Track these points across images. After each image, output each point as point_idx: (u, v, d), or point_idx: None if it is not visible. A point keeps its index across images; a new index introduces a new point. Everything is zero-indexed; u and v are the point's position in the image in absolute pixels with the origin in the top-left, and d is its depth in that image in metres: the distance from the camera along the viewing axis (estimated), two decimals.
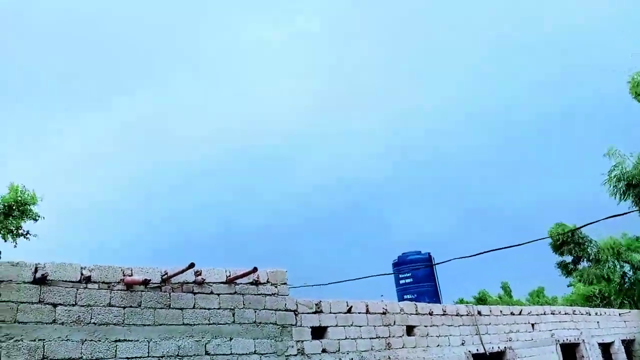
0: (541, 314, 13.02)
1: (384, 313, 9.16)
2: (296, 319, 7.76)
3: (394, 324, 9.25)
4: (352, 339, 8.41)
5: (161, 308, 6.45)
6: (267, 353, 7.15)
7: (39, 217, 16.78)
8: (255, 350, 7.04)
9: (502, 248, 11.11)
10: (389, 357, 8.78)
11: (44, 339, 5.44)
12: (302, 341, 7.66)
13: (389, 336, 9.02)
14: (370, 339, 8.68)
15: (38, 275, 5.64)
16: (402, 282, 17.53)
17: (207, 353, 6.59)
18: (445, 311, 10.49)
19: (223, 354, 6.72)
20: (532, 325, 12.53)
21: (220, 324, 6.90)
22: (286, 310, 7.68)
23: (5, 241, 16.50)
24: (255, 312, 7.31)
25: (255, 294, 7.43)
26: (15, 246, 16.58)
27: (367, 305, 8.97)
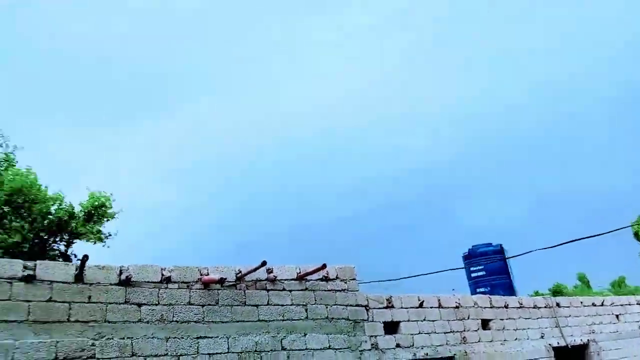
0: (626, 305, 12.31)
1: (457, 307, 8.99)
2: (368, 314, 7.77)
3: (468, 317, 9.06)
4: (425, 333, 8.32)
5: (237, 305, 6.66)
6: (341, 348, 7.21)
7: (114, 216, 17.69)
8: (329, 345, 7.12)
9: (585, 238, 10.61)
10: (466, 352, 8.61)
11: (132, 337, 5.77)
12: (375, 336, 7.67)
13: (464, 330, 8.85)
14: (444, 333, 8.55)
15: (123, 277, 5.99)
16: (473, 275, 17.11)
17: (283, 348, 6.74)
18: (521, 304, 10.15)
19: (299, 349, 6.85)
20: (617, 316, 11.87)
21: (294, 319, 7.03)
22: (357, 305, 7.71)
23: (93, 244, 17.55)
24: (327, 307, 7.39)
25: (325, 290, 7.51)
26: (105, 245, 17.54)
27: (439, 300, 8.85)
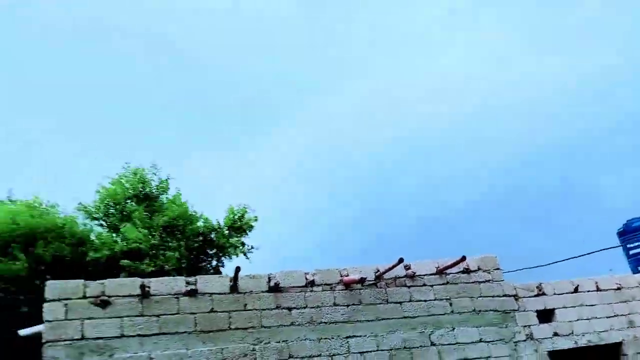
0: None
1: (618, 289, 8.22)
2: (517, 303, 7.41)
3: (633, 299, 8.23)
4: (585, 319, 7.72)
5: (380, 303, 6.75)
6: (493, 340, 6.97)
7: (253, 226, 18.82)
8: (480, 339, 6.91)
9: None
10: (636, 336, 7.84)
11: (286, 340, 6.13)
12: (529, 326, 7.28)
13: (629, 313, 8.06)
14: (607, 317, 7.86)
15: (271, 284, 6.38)
16: (632, 252, 15.49)
17: (432, 344, 6.68)
18: None
19: (448, 344, 6.75)
20: None
21: (439, 314, 6.94)
22: (505, 295, 7.39)
23: (236, 257, 18.86)
24: (472, 300, 7.19)
25: (467, 282, 7.31)
26: (249, 253, 18.77)
27: (596, 283, 8.16)
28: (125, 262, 14.94)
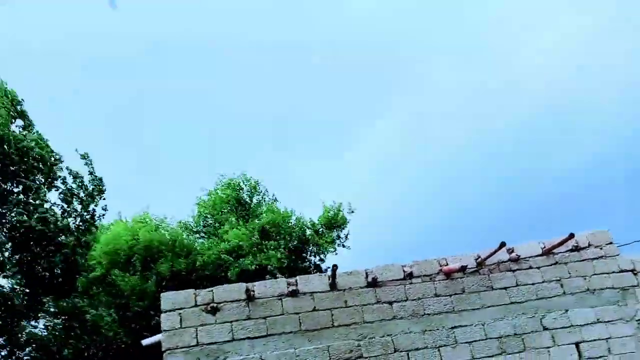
0: None
1: None
2: (637, 278, 6.84)
3: None
4: None
5: (484, 291, 6.53)
6: (612, 320, 6.49)
7: (348, 223, 18.99)
8: (597, 319, 6.47)
9: None
10: None
11: (390, 334, 6.11)
12: None
13: None
14: None
15: (369, 279, 6.39)
16: None
17: (545, 328, 6.36)
18: None
19: (562, 327, 6.38)
20: None
21: (549, 297, 6.58)
22: (622, 271, 6.85)
23: (334, 253, 19.16)
24: (585, 279, 6.74)
25: (578, 261, 6.86)
26: (344, 247, 18.98)
27: None
28: (226, 256, 15.67)
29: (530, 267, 6.74)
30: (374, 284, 6.38)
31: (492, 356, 6.16)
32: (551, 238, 6.85)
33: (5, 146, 17.56)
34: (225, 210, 17.77)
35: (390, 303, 6.31)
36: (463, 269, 6.41)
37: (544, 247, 6.83)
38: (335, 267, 6.19)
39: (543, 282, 6.67)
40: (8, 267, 16.55)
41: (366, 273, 6.45)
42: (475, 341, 6.19)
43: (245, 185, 18.53)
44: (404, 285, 6.44)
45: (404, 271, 6.52)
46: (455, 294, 6.46)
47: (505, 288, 6.56)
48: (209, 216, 18.08)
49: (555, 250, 6.83)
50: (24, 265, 17.26)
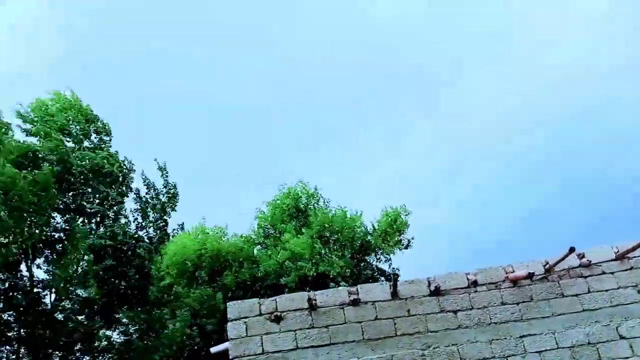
0: None
1: None
2: None
3: None
4: None
5: (554, 298, 6.28)
6: None
7: (408, 227, 18.78)
8: None
9: None
10: None
11: (456, 344, 5.99)
12: None
13: None
14: None
15: (432, 287, 6.31)
16: None
17: (621, 337, 6.02)
18: None
19: None
20: None
21: (626, 303, 6.23)
22: None
23: (393, 255, 18.99)
24: None
25: None
26: (403, 252, 18.77)
27: None
28: (288, 263, 15.87)
29: (603, 273, 6.41)
30: (437, 292, 6.29)
31: None
32: (626, 242, 6.51)
33: (80, 163, 18.69)
34: (285, 219, 18.05)
35: (455, 312, 6.20)
36: (530, 275, 6.20)
37: (618, 252, 6.49)
38: (396, 276, 6.18)
39: (618, 288, 6.33)
40: (88, 277, 17.57)
41: (428, 281, 6.37)
42: (546, 350, 5.96)
43: (304, 194, 18.75)
44: (469, 294, 6.30)
45: (467, 279, 6.39)
46: (523, 301, 6.25)
47: (576, 295, 6.28)
48: (269, 227, 18.42)
49: (629, 255, 6.47)
50: (102, 277, 18.26)
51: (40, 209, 16.20)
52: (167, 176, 21.55)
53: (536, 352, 5.95)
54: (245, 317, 6.26)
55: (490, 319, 6.13)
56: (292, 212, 18.17)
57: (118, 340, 18.57)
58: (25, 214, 15.89)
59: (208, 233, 18.03)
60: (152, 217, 21.03)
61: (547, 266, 6.38)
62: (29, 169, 16.85)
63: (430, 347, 5.98)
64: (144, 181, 21.29)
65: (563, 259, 6.27)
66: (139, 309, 18.18)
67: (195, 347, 16.42)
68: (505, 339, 6.02)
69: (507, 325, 6.10)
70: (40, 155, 17.65)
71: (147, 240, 20.27)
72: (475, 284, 6.33)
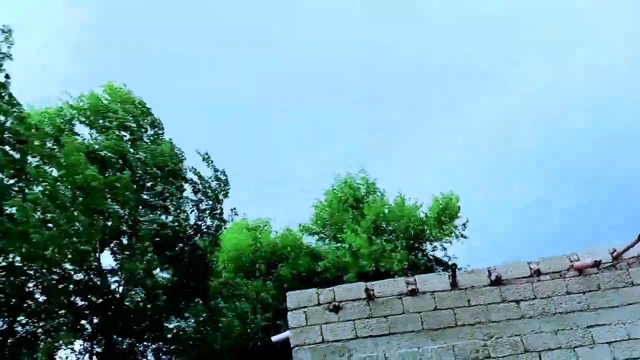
0: None
1: None
2: None
3: None
4: None
5: (624, 287, 6.02)
6: None
7: (459, 214, 18.41)
8: None
9: None
10: None
11: (519, 334, 5.86)
12: None
13: None
14: None
15: (492, 277, 6.18)
16: None
17: None
18: None
19: None
20: None
21: None
22: None
23: (449, 244, 18.70)
24: None
25: None
26: (460, 242, 18.46)
27: None
28: (348, 260, 15.96)
29: None
30: (498, 282, 6.16)
31: (637, 358, 5.65)
32: None
33: (141, 156, 19.39)
34: (342, 210, 18.12)
35: (517, 302, 6.05)
36: (597, 264, 5.96)
37: None
38: (455, 266, 6.11)
39: None
40: (153, 267, 18.32)
41: (489, 271, 6.25)
42: (616, 341, 5.73)
43: (363, 184, 18.74)
44: (531, 283, 6.14)
45: (530, 268, 6.22)
46: (590, 290, 6.03)
47: None
48: (326, 217, 18.55)
49: None
50: (166, 267, 19.03)
51: (113, 209, 17.02)
52: (212, 164, 21.85)
53: (605, 342, 5.73)
54: (305, 307, 6.37)
55: (555, 308, 5.95)
56: (350, 202, 18.20)
57: (182, 331, 19.25)
58: (96, 214, 16.70)
59: (262, 227, 18.40)
60: (206, 205, 21.51)
61: (615, 254, 6.11)
62: (96, 166, 17.60)
63: (493, 337, 5.88)
64: (194, 171, 21.68)
65: (632, 245, 5.97)
66: (200, 301, 18.78)
67: (255, 337, 16.83)
68: (572, 329, 5.83)
69: (573, 315, 5.90)
70: (102, 153, 18.31)
71: (204, 229, 20.82)
72: (538, 273, 6.16)
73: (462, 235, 18.76)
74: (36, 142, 15.61)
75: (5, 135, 14.50)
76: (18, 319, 16.32)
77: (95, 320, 18.40)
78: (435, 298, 6.17)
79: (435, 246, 19.02)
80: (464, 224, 18.62)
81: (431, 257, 18.83)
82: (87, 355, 18.58)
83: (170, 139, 21.51)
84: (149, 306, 18.48)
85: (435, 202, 18.44)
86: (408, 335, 6.01)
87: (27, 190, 14.95)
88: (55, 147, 17.10)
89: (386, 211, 17.21)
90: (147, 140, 20.98)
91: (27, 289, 15.71)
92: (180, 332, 18.61)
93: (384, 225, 17.14)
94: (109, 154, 18.29)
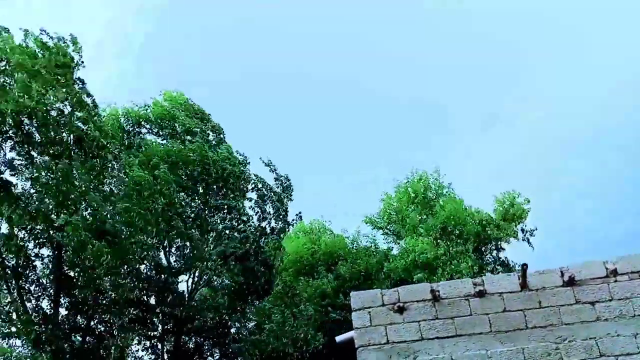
0: None
1: None
2: None
3: None
4: None
5: None
6: None
7: (526, 214, 17.74)
8: None
9: None
10: None
11: (594, 337, 5.60)
12: None
13: None
14: None
15: (565, 278, 5.94)
16: None
17: None
18: None
19: None
20: None
21: None
22: None
23: (515, 241, 18.08)
24: None
25: None
26: (527, 241, 17.83)
27: None
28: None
29: None
30: (571, 283, 5.91)
31: None
32: None
33: (207, 163, 19.99)
34: (410, 209, 17.93)
35: (592, 303, 5.79)
36: None
37: None
38: (525, 266, 5.91)
39: None
40: (219, 267, 18.83)
41: (561, 272, 6.01)
42: None
43: (435, 183, 18.47)
44: (607, 284, 5.85)
45: (606, 268, 5.94)
46: None
47: None
48: (393, 213, 18.41)
49: None
50: (229, 270, 19.50)
51: (173, 207, 17.65)
52: (275, 170, 22.30)
53: None
54: (369, 307, 6.36)
55: (634, 310, 5.64)
56: (419, 200, 17.97)
57: (246, 333, 19.62)
58: (153, 215, 17.35)
59: (321, 229, 18.54)
60: (271, 208, 21.91)
61: None
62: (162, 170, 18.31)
63: (565, 340, 5.65)
64: (257, 179, 22.24)
65: None
66: (262, 303, 19.08)
67: (320, 339, 16.90)
68: None
69: None
70: (174, 159, 19.04)
71: (269, 232, 21.18)
72: (615, 273, 5.86)
73: (531, 234, 18.12)
74: (113, 150, 16.54)
75: (84, 143, 15.45)
76: (95, 315, 17.17)
77: (164, 319, 19.10)
78: (504, 299, 6.00)
79: (501, 247, 18.48)
80: (531, 231, 17.98)
81: (497, 259, 18.31)
82: (155, 353, 19.31)
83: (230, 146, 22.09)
84: (214, 305, 18.95)
85: (498, 202, 17.92)
86: (476, 337, 5.88)
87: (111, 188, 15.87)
88: (127, 152, 18.05)
89: (457, 214, 16.84)
90: (210, 146, 21.61)
91: (100, 286, 16.41)
92: (244, 336, 18.97)
93: (451, 228, 16.77)
94: (192, 157, 18.96)
